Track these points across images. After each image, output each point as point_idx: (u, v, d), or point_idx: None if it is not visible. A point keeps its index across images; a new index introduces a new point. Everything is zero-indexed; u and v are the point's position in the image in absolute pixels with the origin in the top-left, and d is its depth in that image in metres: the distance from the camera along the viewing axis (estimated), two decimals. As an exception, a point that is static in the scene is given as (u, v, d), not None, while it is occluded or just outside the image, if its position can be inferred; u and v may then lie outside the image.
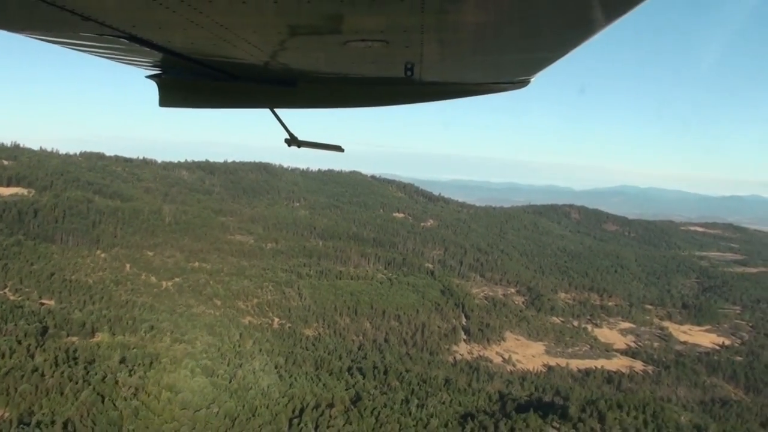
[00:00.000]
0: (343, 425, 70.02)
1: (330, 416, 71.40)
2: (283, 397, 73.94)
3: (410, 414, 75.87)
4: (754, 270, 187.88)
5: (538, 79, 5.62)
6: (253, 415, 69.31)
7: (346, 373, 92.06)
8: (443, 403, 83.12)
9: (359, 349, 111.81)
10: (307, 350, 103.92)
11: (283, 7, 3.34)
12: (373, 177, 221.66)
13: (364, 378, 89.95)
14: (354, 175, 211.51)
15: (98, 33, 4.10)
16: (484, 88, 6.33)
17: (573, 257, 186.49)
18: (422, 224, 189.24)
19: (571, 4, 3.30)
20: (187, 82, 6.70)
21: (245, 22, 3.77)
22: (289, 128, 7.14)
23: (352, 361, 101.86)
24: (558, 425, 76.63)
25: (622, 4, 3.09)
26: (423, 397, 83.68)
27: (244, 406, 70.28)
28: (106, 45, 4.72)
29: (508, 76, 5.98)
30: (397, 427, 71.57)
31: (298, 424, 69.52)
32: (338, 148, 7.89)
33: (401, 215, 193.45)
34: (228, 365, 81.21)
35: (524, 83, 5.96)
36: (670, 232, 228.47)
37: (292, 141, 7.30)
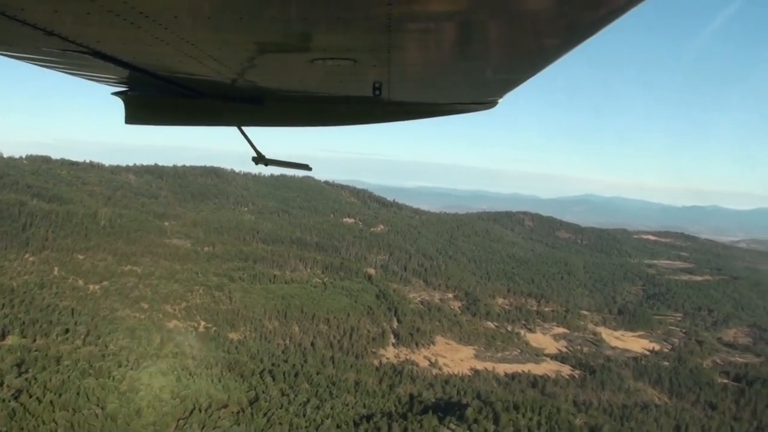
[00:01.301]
0: (230, 426, 69.81)
1: (219, 417, 71.18)
2: (174, 399, 73.60)
3: (305, 415, 75.83)
4: (699, 278, 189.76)
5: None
6: (138, 416, 68.97)
7: (258, 375, 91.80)
8: (346, 405, 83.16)
9: (283, 352, 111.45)
10: (229, 353, 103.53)
11: (249, 24, 3.29)
12: (326, 182, 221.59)
13: (273, 380, 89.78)
14: (307, 180, 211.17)
15: (61, 48, 3.98)
16: (452, 108, 6.39)
17: (521, 264, 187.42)
18: (372, 229, 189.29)
19: (536, 29, 3.32)
20: (154, 99, 6.60)
21: (211, 38, 3.71)
22: (256, 146, 7.06)
23: (272, 364, 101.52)
24: (454, 427, 76.93)
25: (588, 28, 3.10)
26: (326, 398, 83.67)
27: (129, 407, 69.89)
28: (69, 61, 4.65)
29: (475, 97, 6.05)
30: (287, 428, 71.48)
31: (184, 425, 69.24)
32: (306, 167, 7.93)
33: (351, 220, 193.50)
34: (124, 367, 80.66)
35: (492, 104, 6.00)
36: (623, 241, 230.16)
37: (260, 159, 7.20)
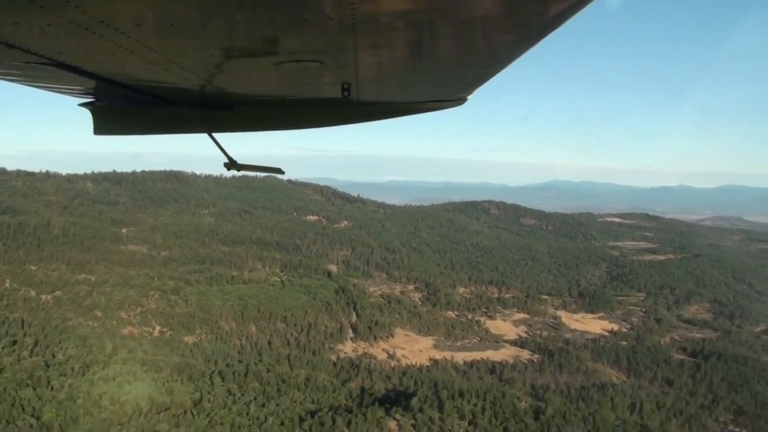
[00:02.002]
0: (169, 429, 69.40)
1: (158, 421, 70.75)
2: (113, 405, 73.03)
3: (248, 414, 75.58)
4: (662, 257, 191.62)
5: None
6: (75, 424, 68.36)
7: (208, 377, 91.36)
8: (294, 401, 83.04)
9: (238, 352, 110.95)
10: (183, 357, 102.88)
11: (213, 29, 3.23)
12: (289, 181, 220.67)
13: (223, 381, 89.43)
14: (269, 179, 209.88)
15: (24, 61, 3.88)
16: (421, 106, 6.37)
17: (485, 252, 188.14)
18: (335, 226, 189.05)
19: (501, 24, 3.36)
20: (122, 108, 6.48)
21: (175, 46, 3.65)
22: (227, 152, 6.94)
23: (227, 365, 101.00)
24: (399, 417, 77.07)
25: (552, 21, 3.11)
26: (273, 396, 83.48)
27: (66, 416, 69.23)
28: (33, 73, 4.53)
29: (443, 94, 6.02)
30: (228, 428, 71.20)
31: (121, 431, 68.74)
32: (278, 171, 7.80)
33: (315, 218, 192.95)
34: (66, 376, 79.91)
35: (461, 101, 6.03)
36: (588, 224, 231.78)
37: (231, 165, 7.09)
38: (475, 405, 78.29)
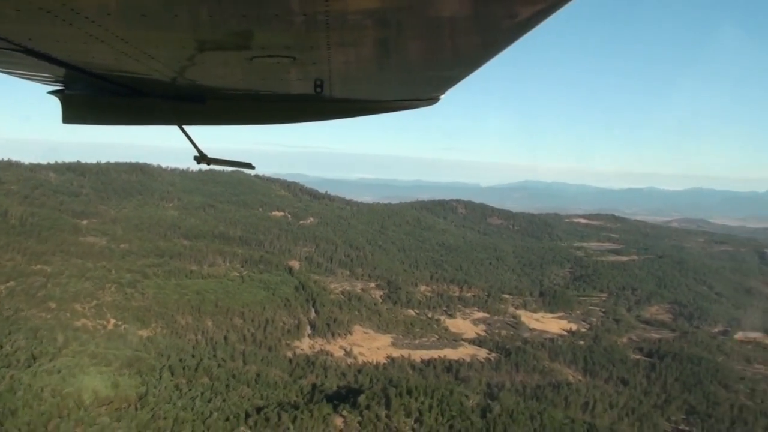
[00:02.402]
0: (110, 423, 68.50)
1: (99, 414, 69.79)
2: (54, 397, 71.86)
3: (193, 409, 74.86)
4: (625, 258, 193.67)
5: None
6: (13, 416, 67.16)
7: (158, 372, 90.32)
8: (242, 397, 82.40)
9: (193, 347, 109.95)
10: (135, 350, 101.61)
11: (184, 21, 3.20)
12: (256, 176, 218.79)
13: (172, 375, 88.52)
14: (236, 174, 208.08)
15: None
16: (394, 105, 6.37)
17: (450, 251, 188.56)
18: (301, 222, 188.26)
19: (473, 26, 3.34)
20: (91, 98, 6.38)
21: (146, 37, 3.59)
22: (198, 145, 6.87)
23: (180, 360, 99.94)
24: (346, 414, 76.77)
25: (523, 24, 3.15)
26: (222, 391, 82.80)
27: (4, 408, 68.00)
28: (1, 59, 4.44)
29: (416, 93, 6.02)
30: (171, 423, 70.44)
31: (60, 423, 67.66)
32: (249, 166, 7.81)
33: (281, 214, 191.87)
34: (8, 368, 78.54)
35: (434, 100, 6.00)
36: (554, 225, 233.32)
37: (202, 158, 7.03)
38: (423, 403, 78.22)
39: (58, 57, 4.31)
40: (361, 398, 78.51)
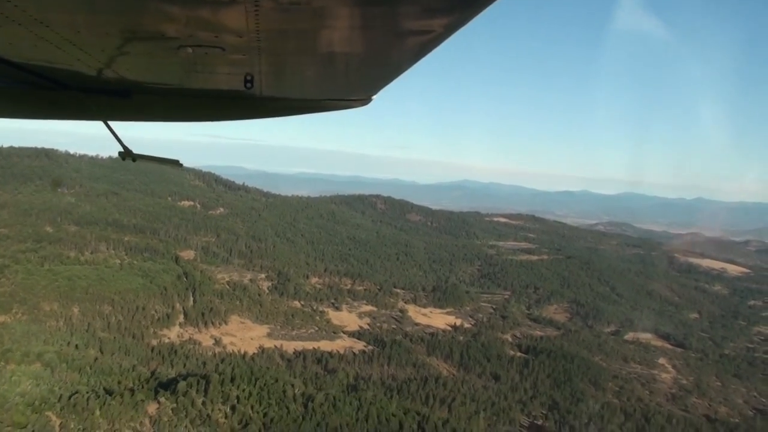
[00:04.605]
0: None
1: None
2: None
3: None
4: (535, 258, 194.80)
5: None
6: None
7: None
8: (65, 382, 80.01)
9: (49, 335, 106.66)
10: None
11: (106, 4, 3.04)
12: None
13: (7, 363, 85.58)
14: (149, 163, 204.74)
15: None
16: (326, 104, 6.16)
17: (360, 245, 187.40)
18: (210, 212, 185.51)
19: (405, 23, 3.26)
20: (11, 90, 5.87)
21: (67, 20, 3.34)
22: (123, 141, 6.59)
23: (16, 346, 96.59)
24: (164, 400, 74.93)
25: (456, 21, 3.14)
26: (45, 377, 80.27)
27: None
28: None
29: (349, 93, 5.85)
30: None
31: None
32: (176, 163, 7.54)
33: (190, 203, 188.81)
34: None
35: (366, 101, 5.82)
36: (473, 223, 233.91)
37: (127, 154, 6.75)
38: (244, 390, 76.74)
39: None
40: (181, 385, 76.67)
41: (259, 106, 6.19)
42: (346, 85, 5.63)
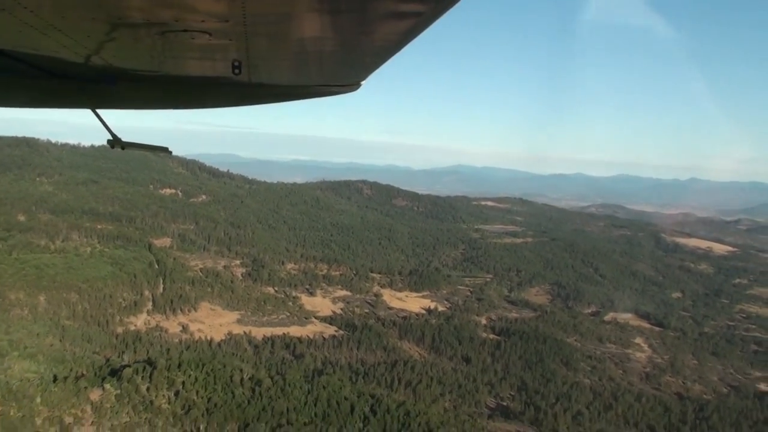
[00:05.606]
0: None
1: None
2: None
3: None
4: (519, 241, 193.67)
5: None
6: None
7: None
8: (27, 371, 79.40)
9: (10, 324, 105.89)
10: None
11: None
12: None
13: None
14: (132, 151, 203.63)
15: None
16: (314, 90, 6.12)
17: (343, 231, 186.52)
18: (191, 200, 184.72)
19: (393, 5, 3.22)
20: None
21: (52, 4, 3.30)
22: (111, 129, 6.40)
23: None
24: (108, 386, 74.14)
25: (442, 3, 3.15)
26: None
27: None
28: None
29: (338, 78, 5.80)
30: None
31: None
32: (165, 150, 7.40)
33: (171, 191, 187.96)
34: None
35: (355, 86, 5.83)
36: (460, 207, 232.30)
37: (116, 142, 6.54)
38: (190, 376, 75.83)
39: None
40: (126, 371, 75.82)
41: (247, 93, 6.14)
42: (335, 70, 5.51)
